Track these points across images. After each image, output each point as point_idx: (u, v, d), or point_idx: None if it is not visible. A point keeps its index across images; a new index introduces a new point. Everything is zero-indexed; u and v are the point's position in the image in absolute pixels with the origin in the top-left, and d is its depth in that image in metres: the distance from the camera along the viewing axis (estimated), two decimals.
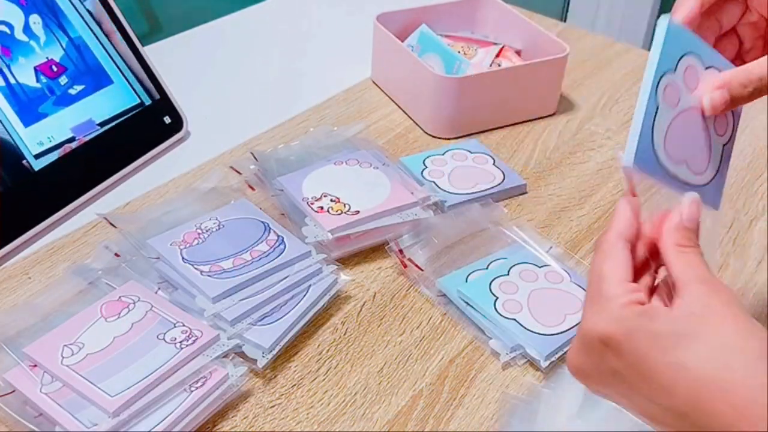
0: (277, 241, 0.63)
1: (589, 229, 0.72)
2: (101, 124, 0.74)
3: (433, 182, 0.74)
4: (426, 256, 0.64)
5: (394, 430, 0.53)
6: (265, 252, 0.62)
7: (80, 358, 0.52)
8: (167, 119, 0.80)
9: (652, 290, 0.43)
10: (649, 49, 0.47)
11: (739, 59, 0.52)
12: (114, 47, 0.76)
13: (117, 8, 0.77)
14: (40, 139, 0.69)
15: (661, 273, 0.43)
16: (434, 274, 0.63)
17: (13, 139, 0.67)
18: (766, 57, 0.47)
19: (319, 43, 1.03)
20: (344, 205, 0.67)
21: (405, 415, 0.54)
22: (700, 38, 0.47)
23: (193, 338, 0.54)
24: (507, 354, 0.57)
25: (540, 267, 0.64)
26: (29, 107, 0.69)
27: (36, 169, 0.68)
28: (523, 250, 0.66)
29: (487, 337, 0.59)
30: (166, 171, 0.77)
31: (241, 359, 0.55)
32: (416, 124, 0.86)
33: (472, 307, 0.60)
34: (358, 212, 0.66)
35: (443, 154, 0.79)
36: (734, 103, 0.48)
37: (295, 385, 0.56)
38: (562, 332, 0.58)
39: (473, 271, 0.63)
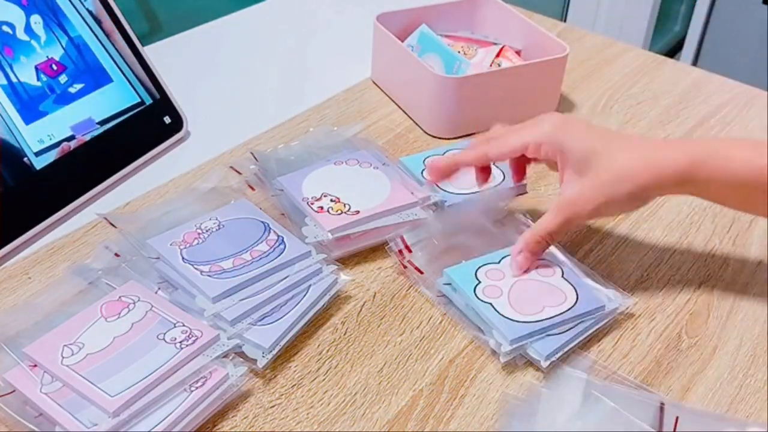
0: (277, 241, 0.63)
1: (589, 229, 0.72)
2: (101, 123, 0.74)
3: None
4: (426, 257, 0.64)
5: (394, 430, 0.53)
6: (265, 252, 0.62)
7: (80, 358, 0.52)
8: (167, 119, 0.80)
9: None
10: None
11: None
12: (114, 46, 0.76)
13: (117, 8, 0.77)
14: (41, 137, 0.69)
15: None
16: (434, 275, 0.63)
17: (14, 137, 0.68)
18: (543, 219, 0.62)
19: (319, 43, 1.03)
20: (344, 205, 0.67)
21: (405, 415, 0.54)
22: None
23: (193, 338, 0.54)
24: (503, 347, 0.57)
25: None
26: (30, 105, 0.69)
27: (37, 167, 0.68)
28: None
29: (480, 330, 0.59)
30: (166, 171, 0.77)
31: (241, 359, 0.55)
32: (416, 124, 0.86)
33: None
34: (358, 212, 0.66)
35: (443, 154, 0.79)
36: (537, 255, 0.63)
37: (295, 385, 0.56)
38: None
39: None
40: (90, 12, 0.75)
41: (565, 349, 0.57)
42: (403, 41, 0.90)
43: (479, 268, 0.62)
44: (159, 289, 0.60)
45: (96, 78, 0.75)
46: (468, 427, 0.54)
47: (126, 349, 0.53)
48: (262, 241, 0.63)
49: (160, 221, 0.65)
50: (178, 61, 0.96)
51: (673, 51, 2.60)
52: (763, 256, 0.69)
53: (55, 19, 0.72)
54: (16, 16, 0.70)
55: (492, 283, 0.61)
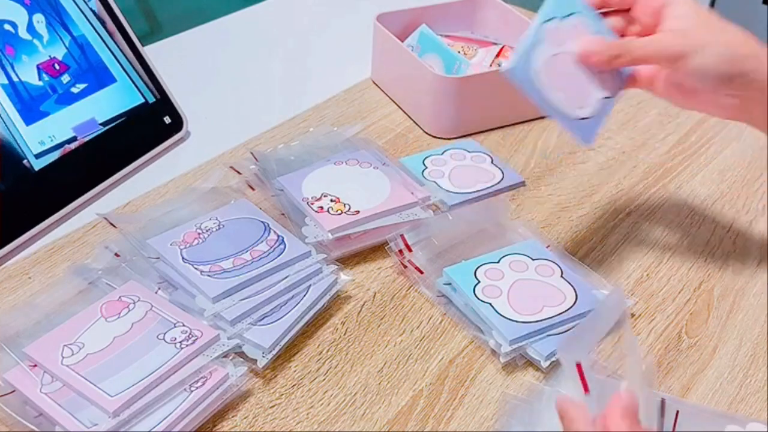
0: (277, 241, 0.63)
1: (589, 229, 0.72)
2: (104, 124, 0.74)
3: (434, 182, 0.74)
4: (426, 257, 0.64)
5: (394, 430, 0.53)
6: (265, 252, 0.62)
7: (80, 358, 0.52)
8: (167, 119, 0.80)
9: None
10: None
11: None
12: (117, 46, 0.76)
13: (117, 8, 0.77)
14: (42, 139, 0.69)
15: None
16: (434, 275, 0.63)
17: (14, 138, 0.67)
18: (647, 38, 0.59)
19: (319, 43, 1.03)
20: (344, 205, 0.67)
21: (405, 415, 0.54)
22: (597, 12, 0.61)
23: (193, 338, 0.54)
24: (504, 347, 0.57)
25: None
26: (31, 105, 0.69)
27: (36, 168, 0.68)
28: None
29: (480, 330, 0.59)
30: (166, 171, 0.77)
31: (241, 359, 0.55)
32: (416, 124, 0.86)
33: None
34: (358, 212, 0.66)
35: (442, 154, 0.79)
36: (600, 61, 0.59)
37: (295, 385, 0.56)
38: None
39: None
40: (93, 12, 0.75)
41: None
42: (403, 41, 0.90)
43: (478, 267, 0.62)
44: (159, 289, 0.60)
45: (99, 78, 0.74)
46: (468, 427, 0.54)
47: (126, 349, 0.53)
48: (262, 241, 0.63)
49: (160, 221, 0.65)
50: (178, 61, 0.96)
51: None
52: (763, 256, 0.69)
53: (58, 19, 0.72)
54: (18, 14, 0.69)
55: (491, 283, 0.61)
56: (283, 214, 0.68)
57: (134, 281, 0.59)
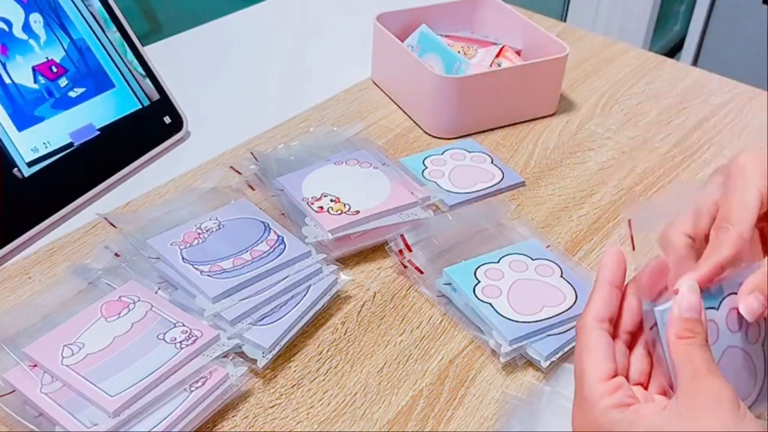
0: (277, 241, 0.63)
1: (589, 229, 0.72)
2: (101, 129, 0.73)
3: (435, 182, 0.74)
4: (426, 257, 0.64)
5: (394, 430, 0.53)
6: (265, 252, 0.62)
7: (80, 358, 0.52)
8: (167, 119, 0.80)
9: (648, 374, 0.44)
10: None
11: None
12: (115, 48, 0.76)
13: (117, 8, 0.77)
14: (35, 145, 0.67)
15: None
16: (434, 275, 0.63)
17: (3, 145, 0.64)
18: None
19: (319, 43, 1.03)
20: (344, 205, 0.67)
21: (405, 415, 0.54)
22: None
23: (193, 338, 0.54)
24: (505, 347, 0.57)
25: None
26: (24, 109, 0.66)
27: (28, 174, 0.66)
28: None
29: (480, 330, 0.59)
30: (166, 171, 0.77)
31: (241, 359, 0.55)
32: (416, 124, 0.86)
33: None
34: (358, 212, 0.66)
35: (442, 154, 0.79)
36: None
37: (295, 385, 0.56)
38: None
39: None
40: (93, 15, 0.74)
41: (565, 349, 0.57)
42: (403, 41, 0.90)
43: (478, 267, 0.63)
44: (159, 289, 0.60)
45: (98, 82, 0.73)
46: (468, 427, 0.54)
47: (126, 349, 0.53)
48: (262, 241, 0.63)
49: (160, 221, 0.65)
50: (178, 61, 0.96)
51: (673, 51, 2.60)
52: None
53: (56, 20, 0.70)
54: (14, 12, 0.67)
55: (491, 283, 0.61)
56: (283, 214, 0.68)
57: (134, 281, 0.59)
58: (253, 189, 0.72)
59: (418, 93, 0.84)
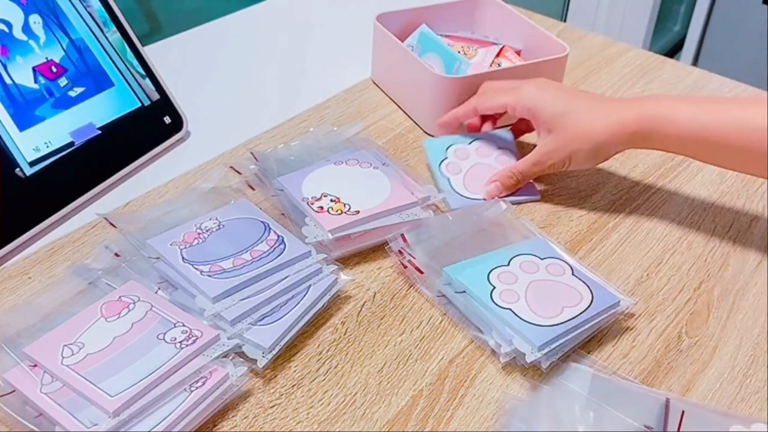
0: (277, 241, 0.63)
1: (589, 229, 0.72)
2: (102, 128, 0.73)
3: (447, 178, 0.74)
4: (426, 257, 0.64)
5: (394, 430, 0.53)
6: (265, 252, 0.62)
7: (80, 358, 0.52)
8: (167, 119, 0.80)
9: None
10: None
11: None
12: (114, 48, 0.76)
13: (117, 8, 0.77)
14: (36, 145, 0.67)
15: None
16: (434, 275, 0.63)
17: (5, 144, 0.65)
18: (526, 159, 0.72)
19: (319, 43, 1.03)
20: (344, 205, 0.67)
21: (405, 415, 0.54)
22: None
23: (193, 338, 0.54)
24: (505, 347, 0.57)
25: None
26: (25, 109, 0.67)
27: (30, 174, 0.66)
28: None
29: (480, 330, 0.59)
30: (166, 171, 0.77)
31: (241, 359, 0.55)
32: (416, 124, 0.86)
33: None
34: (358, 212, 0.66)
35: (469, 143, 0.77)
36: (507, 189, 0.73)
37: (295, 385, 0.56)
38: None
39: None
40: (91, 15, 0.74)
41: (566, 349, 0.57)
42: (403, 41, 0.90)
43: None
44: (159, 289, 0.60)
45: (97, 82, 0.73)
46: (468, 427, 0.54)
47: (126, 349, 0.53)
48: (262, 241, 0.63)
49: (160, 221, 0.65)
50: (178, 61, 0.96)
51: (673, 51, 2.60)
52: (763, 256, 0.69)
53: (55, 20, 0.71)
54: (13, 13, 0.68)
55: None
56: (283, 214, 0.68)
57: (134, 281, 0.59)
58: (253, 189, 0.72)
59: (418, 93, 0.84)
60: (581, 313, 0.58)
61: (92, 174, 0.73)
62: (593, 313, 0.58)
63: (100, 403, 0.49)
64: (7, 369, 0.52)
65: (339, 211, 0.66)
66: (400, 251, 0.64)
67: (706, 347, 0.60)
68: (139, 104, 0.77)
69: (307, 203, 0.67)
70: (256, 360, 0.55)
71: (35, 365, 0.52)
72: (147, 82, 0.79)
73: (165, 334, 0.55)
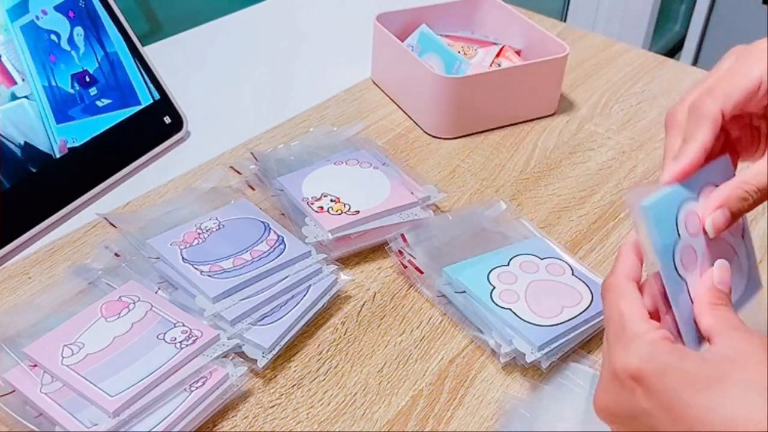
0: (277, 241, 0.63)
1: (589, 229, 0.72)
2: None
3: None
4: (426, 257, 0.64)
5: (394, 430, 0.53)
6: (265, 252, 0.62)
7: (80, 358, 0.52)
8: (167, 119, 0.80)
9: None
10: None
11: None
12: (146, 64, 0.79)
13: (117, 8, 0.77)
14: (66, 138, 0.72)
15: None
16: (434, 275, 0.63)
17: (47, 132, 0.70)
18: (760, 165, 0.45)
19: (319, 43, 1.03)
20: (344, 205, 0.67)
21: (405, 415, 0.54)
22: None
23: (193, 338, 0.54)
24: (504, 348, 0.57)
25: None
26: (62, 108, 0.71)
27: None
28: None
29: (480, 330, 0.59)
30: (166, 171, 0.77)
31: (241, 359, 0.55)
32: (416, 124, 0.86)
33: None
34: (358, 212, 0.66)
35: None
36: (736, 217, 0.46)
37: (295, 385, 0.56)
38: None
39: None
40: (126, 31, 0.78)
41: (566, 349, 0.57)
42: (403, 41, 0.90)
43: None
44: (159, 289, 0.60)
45: (124, 97, 0.76)
46: (468, 427, 0.54)
47: (126, 349, 0.53)
48: (262, 241, 0.63)
49: (160, 221, 0.65)
50: (178, 61, 0.96)
51: (673, 51, 2.60)
52: (764, 256, 0.69)
53: (95, 33, 0.75)
54: (62, 26, 0.73)
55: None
56: (283, 214, 0.68)
57: (134, 281, 0.59)
58: (253, 189, 0.72)
59: (418, 93, 0.84)
60: (581, 313, 0.58)
61: (92, 174, 0.73)
62: (593, 313, 0.58)
63: (100, 403, 0.49)
64: (7, 369, 0.52)
65: (339, 211, 0.66)
66: (400, 251, 0.64)
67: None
68: (140, 105, 0.77)
69: (307, 203, 0.67)
70: (256, 360, 0.55)
71: (35, 365, 0.52)
72: (147, 82, 0.79)
73: (165, 334, 0.55)
